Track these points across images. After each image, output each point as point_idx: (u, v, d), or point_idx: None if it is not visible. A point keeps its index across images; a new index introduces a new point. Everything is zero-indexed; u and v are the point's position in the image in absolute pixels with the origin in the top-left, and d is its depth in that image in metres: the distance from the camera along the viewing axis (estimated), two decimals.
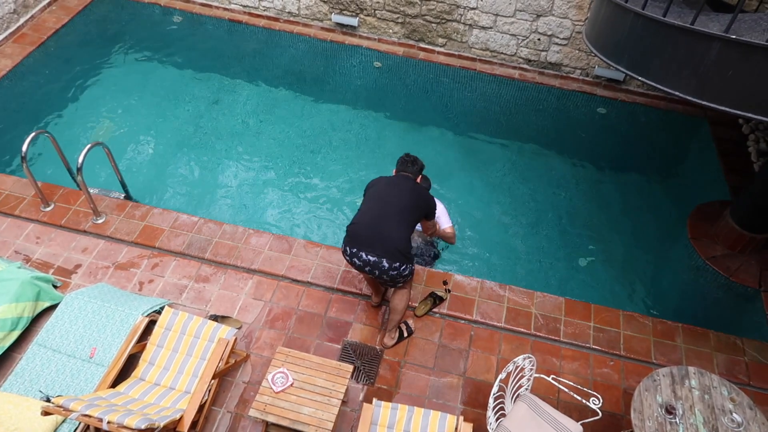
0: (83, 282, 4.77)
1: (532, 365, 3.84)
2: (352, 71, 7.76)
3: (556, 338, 4.64)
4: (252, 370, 4.32)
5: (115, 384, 3.83)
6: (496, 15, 7.09)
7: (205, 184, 6.13)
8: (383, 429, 3.63)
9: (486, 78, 7.52)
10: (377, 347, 4.51)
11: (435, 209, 4.21)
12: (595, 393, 3.77)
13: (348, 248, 4.00)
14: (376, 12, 7.48)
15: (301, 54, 7.87)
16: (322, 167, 6.44)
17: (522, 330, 4.68)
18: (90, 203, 5.02)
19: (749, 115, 3.42)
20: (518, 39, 7.26)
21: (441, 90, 7.58)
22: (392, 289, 4.28)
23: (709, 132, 6.97)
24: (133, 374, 3.98)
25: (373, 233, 3.91)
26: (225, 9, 8.05)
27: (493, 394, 3.60)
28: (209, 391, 4.00)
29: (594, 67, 7.26)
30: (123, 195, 5.63)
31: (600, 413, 3.68)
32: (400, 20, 7.48)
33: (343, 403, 4.03)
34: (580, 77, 7.43)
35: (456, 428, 3.62)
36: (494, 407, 3.62)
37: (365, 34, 7.78)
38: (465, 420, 3.63)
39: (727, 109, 3.50)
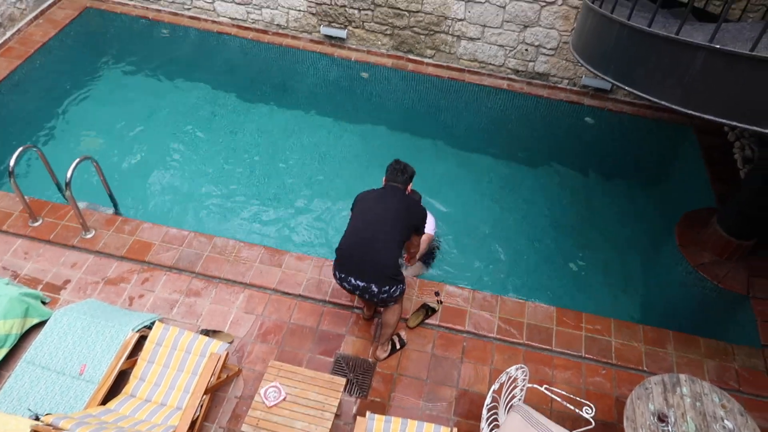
0: (72, 298, 4.73)
1: (525, 375, 3.84)
2: (341, 83, 7.79)
3: (548, 347, 4.65)
4: (244, 384, 4.29)
5: (105, 401, 3.79)
6: (484, 26, 7.15)
7: (196, 198, 6.11)
8: None
9: (475, 88, 7.57)
10: (370, 360, 4.50)
11: (425, 222, 4.14)
12: (587, 402, 3.78)
13: (337, 272, 4.02)
14: (365, 24, 7.52)
15: (290, 66, 7.88)
16: (312, 179, 6.44)
17: (514, 340, 4.68)
18: (79, 218, 4.98)
19: (734, 123, 3.46)
20: (506, 50, 7.32)
21: (430, 101, 7.63)
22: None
23: (695, 140, 7.05)
24: (123, 391, 3.94)
25: (360, 259, 3.88)
26: (213, 22, 8.06)
27: (487, 405, 3.60)
28: (201, 406, 3.97)
29: (581, 77, 7.34)
30: (112, 209, 5.59)
31: (593, 422, 3.68)
32: (388, 32, 7.52)
33: (336, 416, 4.00)
34: (568, 87, 7.50)
35: None
36: (488, 418, 3.62)
37: (354, 46, 7.81)
38: (459, 431, 3.62)
39: (712, 117, 3.54)
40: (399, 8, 7.22)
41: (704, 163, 6.72)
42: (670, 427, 3.54)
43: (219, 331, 4.56)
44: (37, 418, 3.16)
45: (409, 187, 4.18)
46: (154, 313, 4.63)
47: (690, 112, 3.62)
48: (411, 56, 7.72)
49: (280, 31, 7.93)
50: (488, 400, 3.61)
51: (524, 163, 6.92)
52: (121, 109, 7.02)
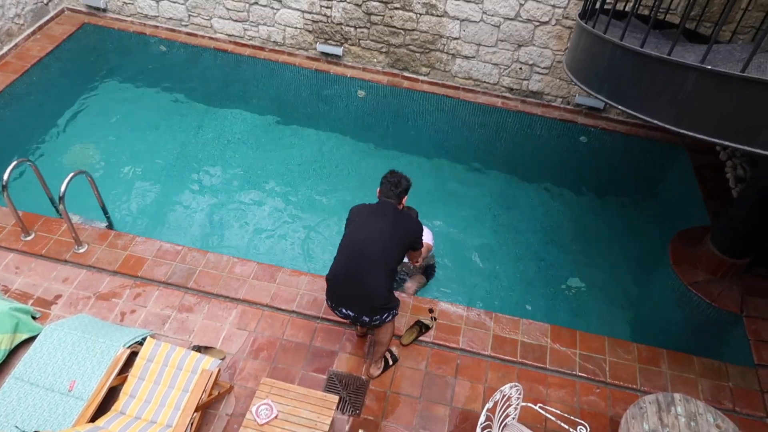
0: (63, 313, 4.68)
1: (519, 394, 3.81)
2: (336, 100, 7.82)
3: (543, 366, 4.63)
4: (236, 401, 4.24)
5: (94, 418, 3.74)
6: (479, 45, 7.22)
7: (190, 213, 6.10)
8: None
9: (469, 106, 7.62)
10: (363, 377, 4.46)
11: (421, 238, 4.04)
12: (582, 421, 3.75)
13: (328, 300, 4.02)
14: (361, 42, 7.58)
15: (287, 83, 7.92)
16: (306, 195, 6.44)
17: (508, 358, 4.66)
18: (72, 232, 4.96)
19: (726, 142, 3.49)
20: (500, 68, 7.39)
21: (425, 118, 7.67)
22: None
23: (688, 159, 7.09)
24: (113, 408, 3.90)
25: (351, 291, 3.84)
26: (210, 38, 8.11)
27: (481, 425, 3.56)
28: (191, 424, 3.91)
29: (575, 96, 7.40)
30: (105, 224, 5.57)
31: None
32: (384, 50, 7.58)
33: None
34: (562, 105, 7.55)
35: None
36: None
37: (350, 64, 7.87)
38: None
39: (704, 137, 3.56)
40: (395, 26, 7.29)
41: (697, 181, 6.75)
42: None
43: (211, 347, 4.52)
44: None
45: (404, 200, 3.98)
46: (145, 328, 4.59)
47: (683, 131, 3.65)
48: (406, 74, 7.77)
49: (277, 47, 7.98)
50: (482, 418, 3.58)
51: (518, 180, 6.95)
52: (117, 124, 7.03)
